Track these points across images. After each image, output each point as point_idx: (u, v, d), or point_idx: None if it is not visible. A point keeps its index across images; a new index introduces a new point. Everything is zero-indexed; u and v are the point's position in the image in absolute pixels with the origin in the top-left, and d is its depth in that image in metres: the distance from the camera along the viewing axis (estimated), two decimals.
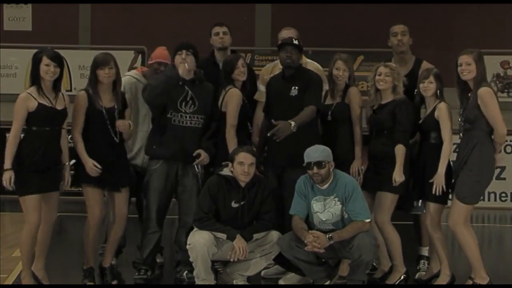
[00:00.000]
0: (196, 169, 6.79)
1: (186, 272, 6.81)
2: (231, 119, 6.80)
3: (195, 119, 6.76)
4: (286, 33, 7.29)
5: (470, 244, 6.41)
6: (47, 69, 6.20)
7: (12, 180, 6.09)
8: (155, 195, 6.80)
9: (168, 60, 7.14)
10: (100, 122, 6.43)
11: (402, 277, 6.72)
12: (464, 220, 6.41)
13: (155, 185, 6.80)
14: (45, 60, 6.21)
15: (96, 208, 6.47)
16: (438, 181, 6.43)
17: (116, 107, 6.50)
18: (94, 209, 6.47)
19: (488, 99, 6.29)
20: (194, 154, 6.69)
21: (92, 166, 6.35)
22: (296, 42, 6.87)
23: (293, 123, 6.58)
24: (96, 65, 6.44)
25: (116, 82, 6.53)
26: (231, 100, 6.82)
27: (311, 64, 7.29)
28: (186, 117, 6.75)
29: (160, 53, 7.21)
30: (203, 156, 6.70)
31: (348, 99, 6.85)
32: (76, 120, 6.44)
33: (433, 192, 6.43)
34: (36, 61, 6.22)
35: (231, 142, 6.74)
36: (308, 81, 6.83)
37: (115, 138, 6.49)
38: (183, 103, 6.75)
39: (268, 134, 6.60)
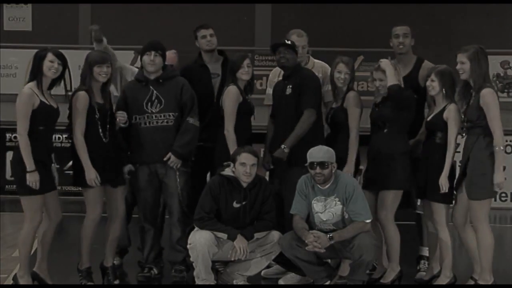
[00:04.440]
0: (175, 167, 6.80)
1: (173, 270, 6.87)
2: (228, 115, 6.81)
3: (163, 117, 6.75)
4: (296, 40, 7.20)
5: (489, 244, 6.35)
6: (51, 65, 6.19)
7: (39, 181, 6.08)
8: (140, 195, 6.88)
9: (172, 61, 7.23)
10: (93, 120, 6.39)
11: (395, 277, 6.72)
12: (486, 216, 6.34)
13: (138, 185, 6.86)
14: (50, 56, 6.20)
15: (97, 205, 6.48)
16: (443, 182, 6.42)
17: (106, 104, 6.48)
18: (94, 208, 6.46)
19: (490, 100, 6.20)
20: (164, 159, 6.69)
21: (94, 178, 6.32)
22: (288, 42, 6.89)
23: (283, 146, 6.68)
24: (94, 62, 6.40)
25: (107, 82, 6.52)
26: (227, 97, 6.85)
27: (318, 64, 7.34)
28: (153, 117, 6.74)
29: (168, 57, 7.18)
30: (172, 159, 6.69)
31: (346, 104, 6.82)
32: (79, 120, 6.35)
33: (441, 192, 6.42)
34: (39, 58, 6.20)
35: (230, 139, 6.75)
36: (301, 80, 6.84)
37: (103, 138, 6.44)
38: (149, 104, 6.75)
39: (271, 167, 6.90)
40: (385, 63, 6.68)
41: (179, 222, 6.84)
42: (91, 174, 6.33)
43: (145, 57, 6.78)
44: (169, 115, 6.76)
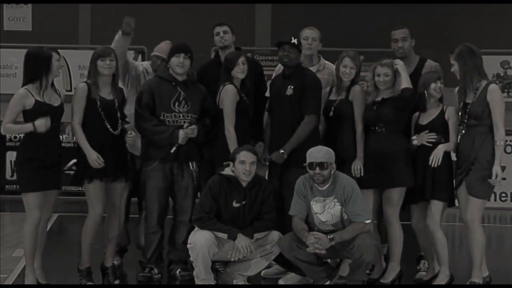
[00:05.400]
0: (191, 167, 6.80)
1: (179, 270, 6.87)
2: (227, 115, 6.80)
3: (189, 118, 6.79)
4: (308, 32, 7.23)
5: (480, 243, 6.42)
6: (59, 64, 6.31)
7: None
8: (154, 194, 6.83)
9: (166, 54, 7.15)
10: (96, 113, 6.42)
11: (396, 277, 6.73)
12: (480, 216, 6.45)
13: (153, 184, 6.82)
14: (55, 56, 6.29)
15: (98, 204, 6.48)
16: (437, 152, 6.48)
17: (116, 99, 6.52)
18: (96, 206, 6.47)
19: (497, 96, 6.36)
20: (185, 125, 6.71)
21: (95, 158, 6.35)
22: (294, 41, 6.87)
23: (282, 151, 6.70)
24: (97, 56, 6.47)
25: (115, 75, 6.56)
26: (226, 96, 6.83)
27: (328, 66, 7.32)
28: (180, 116, 6.77)
29: (161, 47, 7.24)
30: (193, 127, 6.70)
31: (352, 97, 6.82)
32: (75, 110, 6.43)
33: (430, 163, 6.48)
34: (44, 58, 6.24)
35: (231, 139, 6.74)
36: (304, 82, 6.82)
37: (111, 129, 6.47)
38: (176, 103, 6.77)
39: (267, 164, 6.88)
40: (401, 66, 6.70)
41: (190, 222, 6.84)
42: (92, 155, 6.36)
43: (175, 59, 6.79)
44: (194, 117, 6.80)
